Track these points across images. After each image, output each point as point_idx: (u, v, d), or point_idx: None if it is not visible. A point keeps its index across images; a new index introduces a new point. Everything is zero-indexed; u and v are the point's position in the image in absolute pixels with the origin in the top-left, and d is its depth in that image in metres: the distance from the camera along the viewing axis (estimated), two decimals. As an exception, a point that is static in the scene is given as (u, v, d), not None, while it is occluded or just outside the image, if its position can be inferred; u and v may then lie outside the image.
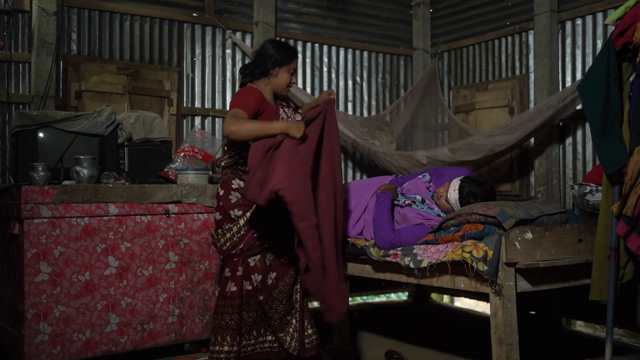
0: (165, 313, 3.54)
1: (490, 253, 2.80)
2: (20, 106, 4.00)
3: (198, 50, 4.66)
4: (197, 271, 3.65)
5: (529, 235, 2.85)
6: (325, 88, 5.21)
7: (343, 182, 5.21)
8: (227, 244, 3.04)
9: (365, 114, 5.38)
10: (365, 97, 5.41)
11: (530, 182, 4.62)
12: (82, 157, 3.46)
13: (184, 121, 4.59)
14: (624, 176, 2.66)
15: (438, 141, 5.36)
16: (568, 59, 4.39)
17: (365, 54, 5.40)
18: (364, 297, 5.79)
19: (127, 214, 3.44)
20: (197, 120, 4.63)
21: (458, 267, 2.93)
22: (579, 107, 4.04)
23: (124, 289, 3.41)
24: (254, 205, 3.02)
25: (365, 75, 5.41)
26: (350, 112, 5.31)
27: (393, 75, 5.57)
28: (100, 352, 3.34)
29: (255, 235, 3.03)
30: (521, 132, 4.15)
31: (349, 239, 3.64)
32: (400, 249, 3.24)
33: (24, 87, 4.07)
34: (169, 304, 3.55)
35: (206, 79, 4.69)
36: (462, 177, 3.42)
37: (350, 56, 5.33)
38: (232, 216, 3.05)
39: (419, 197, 3.54)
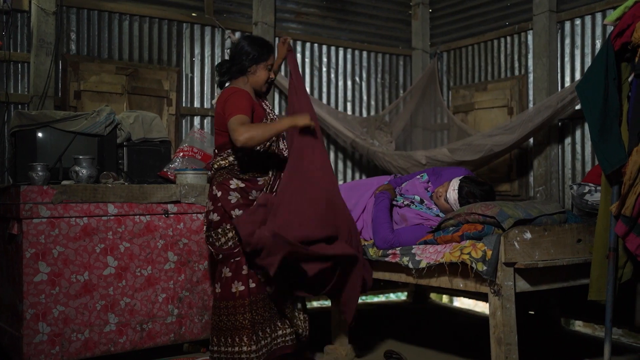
0: (164, 313, 3.54)
1: (489, 253, 2.80)
2: (19, 106, 4.00)
3: (197, 50, 4.66)
4: (196, 271, 3.65)
5: (528, 235, 2.86)
6: (324, 88, 5.21)
7: (342, 182, 5.24)
8: (229, 243, 3.05)
9: (365, 114, 5.39)
10: (365, 97, 5.41)
11: (529, 182, 4.62)
12: (81, 157, 3.46)
13: (183, 121, 4.59)
14: (623, 176, 2.66)
15: (437, 141, 5.36)
16: (567, 59, 4.39)
17: (365, 54, 5.40)
18: (363, 297, 5.79)
19: (126, 214, 3.44)
20: (196, 120, 4.63)
21: (457, 267, 2.93)
22: (577, 107, 4.04)
23: (123, 289, 3.41)
24: (255, 203, 3.06)
25: (364, 75, 5.41)
26: (349, 112, 5.31)
27: (392, 75, 5.57)
28: (99, 352, 3.33)
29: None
30: (520, 132, 4.15)
31: (348, 239, 3.65)
32: (399, 249, 3.24)
33: (23, 87, 4.07)
34: (168, 304, 3.55)
35: (205, 78, 4.69)
36: (461, 177, 3.42)
37: (349, 56, 5.33)
38: (234, 216, 3.05)
39: (417, 198, 3.54)
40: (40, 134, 3.56)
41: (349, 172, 5.32)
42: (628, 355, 3.71)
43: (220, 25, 4.70)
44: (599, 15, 4.18)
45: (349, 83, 5.33)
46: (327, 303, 4.86)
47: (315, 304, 5.27)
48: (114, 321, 3.38)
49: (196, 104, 4.64)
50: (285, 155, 3.22)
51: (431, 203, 3.51)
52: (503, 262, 2.80)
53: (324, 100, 5.19)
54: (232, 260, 3.06)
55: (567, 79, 4.39)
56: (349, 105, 5.33)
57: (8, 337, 3.37)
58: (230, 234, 3.05)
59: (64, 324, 3.23)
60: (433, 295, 5.67)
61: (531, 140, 4.49)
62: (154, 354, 3.56)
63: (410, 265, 3.11)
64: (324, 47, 5.21)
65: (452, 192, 3.35)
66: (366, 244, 3.47)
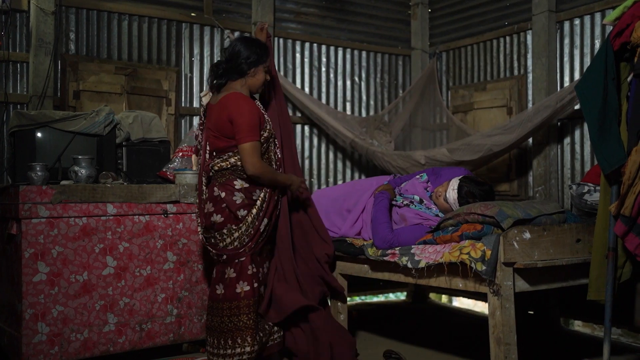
0: (164, 313, 3.54)
1: (489, 253, 2.80)
2: (18, 106, 4.00)
3: (196, 50, 4.66)
4: (195, 271, 3.65)
5: (527, 235, 2.86)
6: (323, 88, 5.21)
7: (341, 182, 5.24)
8: (235, 243, 3.05)
9: (364, 114, 5.39)
10: (364, 97, 5.41)
11: (529, 182, 4.63)
12: (80, 157, 3.46)
13: (182, 121, 4.58)
14: (622, 176, 2.66)
15: (436, 141, 5.36)
16: (566, 59, 4.39)
17: (364, 54, 5.40)
18: (362, 297, 5.79)
19: (125, 214, 3.44)
20: (196, 120, 4.62)
21: (456, 267, 2.93)
22: (577, 107, 4.04)
23: (122, 289, 3.40)
24: (257, 203, 3.08)
25: (363, 75, 5.41)
26: (348, 112, 5.31)
27: (391, 75, 5.57)
28: (99, 352, 3.33)
29: (261, 231, 3.09)
30: (519, 132, 4.16)
31: (347, 239, 3.65)
32: (398, 248, 3.24)
33: (22, 87, 4.06)
34: (167, 304, 3.55)
35: (204, 79, 4.68)
36: (461, 176, 3.43)
37: (348, 56, 5.33)
38: (239, 216, 3.05)
39: (417, 197, 3.55)
40: (39, 134, 3.56)
41: (348, 172, 5.32)
42: (627, 355, 3.71)
43: (220, 25, 4.70)
44: (598, 15, 4.18)
45: (348, 83, 5.33)
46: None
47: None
48: (113, 321, 3.37)
49: (195, 104, 4.64)
50: (279, 155, 3.29)
51: (430, 203, 3.52)
52: (502, 262, 2.80)
53: (323, 100, 5.19)
54: (236, 261, 3.06)
55: (567, 79, 4.39)
56: (348, 105, 5.33)
57: (7, 337, 3.36)
58: (236, 234, 3.05)
59: (63, 324, 3.23)
60: (432, 295, 5.67)
61: (530, 140, 4.49)
62: (153, 354, 3.55)
63: (410, 265, 3.11)
64: (323, 47, 5.21)
65: (452, 191, 3.35)
66: (365, 243, 3.47)
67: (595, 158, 3.27)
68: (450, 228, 3.11)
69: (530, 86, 4.61)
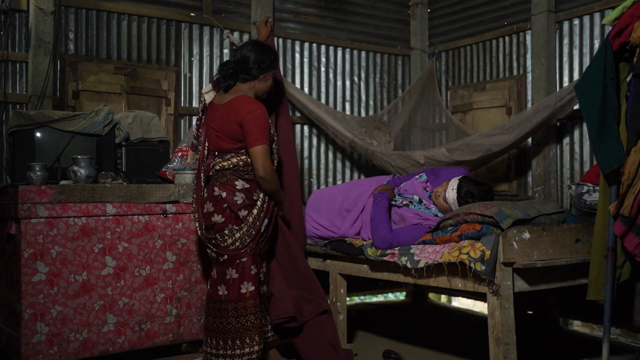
0: (163, 313, 3.53)
1: (488, 253, 2.80)
2: (18, 106, 3.99)
3: (196, 50, 4.66)
4: (194, 271, 3.65)
5: (527, 235, 2.86)
6: (323, 88, 5.21)
7: (341, 182, 5.24)
8: (237, 244, 3.05)
9: (363, 114, 5.39)
10: (363, 97, 5.41)
11: (528, 182, 4.63)
12: (79, 156, 3.46)
13: (182, 121, 4.58)
14: (621, 176, 2.66)
15: (436, 141, 5.36)
16: (565, 59, 4.40)
17: (363, 53, 5.40)
18: (362, 297, 5.79)
19: (124, 213, 3.43)
20: (195, 120, 4.62)
21: (455, 267, 2.93)
22: (576, 107, 4.04)
23: (121, 288, 3.40)
24: (257, 203, 3.09)
25: (363, 75, 5.41)
26: (348, 112, 5.31)
27: (391, 75, 5.57)
28: (98, 352, 3.33)
29: (262, 231, 3.09)
30: (519, 132, 4.15)
31: (346, 239, 3.65)
32: (397, 248, 3.24)
33: (21, 87, 4.06)
34: (166, 304, 3.55)
35: (204, 78, 4.68)
36: (460, 176, 3.43)
37: (348, 56, 5.33)
38: (241, 217, 3.05)
39: (416, 198, 3.55)
40: (38, 134, 3.56)
41: (348, 172, 5.32)
42: (626, 354, 3.72)
43: (219, 25, 4.70)
44: (597, 15, 4.18)
45: (348, 83, 5.33)
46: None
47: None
48: (112, 321, 3.37)
49: (194, 104, 4.64)
50: (276, 155, 3.29)
51: (430, 203, 3.52)
52: (502, 262, 2.80)
53: (323, 100, 5.19)
54: (237, 262, 3.06)
55: (566, 79, 4.39)
56: (347, 105, 5.33)
57: (6, 337, 3.36)
58: (237, 235, 3.04)
59: (62, 324, 3.23)
60: (432, 295, 5.67)
61: (530, 140, 4.49)
62: (152, 354, 3.55)
63: (409, 265, 3.11)
64: (323, 47, 5.21)
65: (451, 191, 3.35)
66: (365, 243, 3.47)
67: (595, 158, 3.27)
68: (449, 228, 3.11)
69: (529, 86, 4.61)
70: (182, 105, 4.58)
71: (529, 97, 4.60)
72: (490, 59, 4.98)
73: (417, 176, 3.74)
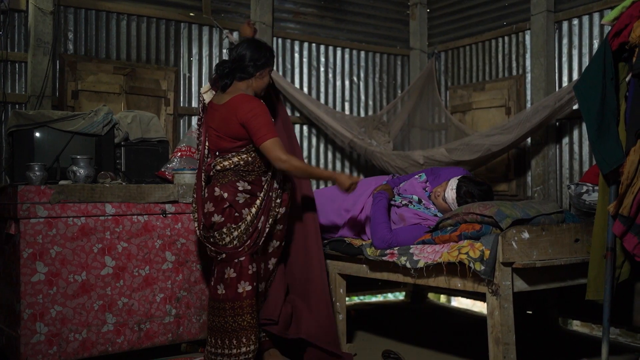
0: (162, 313, 3.53)
1: (487, 253, 2.80)
2: (17, 106, 3.99)
3: (195, 50, 4.66)
4: (194, 271, 3.65)
5: (526, 235, 2.86)
6: (322, 88, 5.21)
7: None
8: (235, 242, 3.06)
9: (362, 114, 5.39)
10: (362, 97, 5.41)
11: (527, 182, 4.63)
12: (78, 156, 3.46)
13: (181, 121, 4.58)
14: (620, 176, 2.66)
15: (435, 141, 5.36)
16: (565, 59, 4.40)
17: (362, 53, 5.40)
18: (361, 297, 5.79)
19: (123, 213, 3.43)
20: (194, 120, 4.62)
21: (455, 267, 2.93)
22: (575, 107, 4.04)
23: (120, 289, 3.40)
24: (257, 202, 3.09)
25: (362, 75, 5.41)
26: (347, 111, 5.30)
27: (390, 75, 5.57)
28: (97, 352, 3.33)
29: (259, 229, 3.09)
30: (518, 132, 4.16)
31: (346, 239, 3.65)
32: (397, 248, 3.24)
33: (20, 87, 4.06)
34: (165, 304, 3.54)
35: (203, 78, 4.68)
36: (459, 176, 3.43)
37: (347, 56, 5.33)
38: (244, 216, 3.07)
39: (415, 198, 3.55)
40: (37, 134, 3.55)
41: (347, 172, 5.32)
42: (625, 354, 3.72)
43: (218, 25, 4.69)
44: (596, 15, 4.19)
45: (347, 83, 5.33)
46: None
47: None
48: (111, 321, 3.37)
49: (194, 104, 4.64)
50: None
51: (429, 203, 3.52)
52: (501, 262, 2.80)
53: (322, 100, 5.18)
54: (235, 261, 3.07)
55: (565, 79, 4.39)
56: (346, 105, 5.33)
57: (5, 337, 3.36)
58: (235, 233, 3.05)
59: (61, 324, 3.23)
60: (431, 295, 5.67)
61: (529, 140, 4.49)
62: (151, 354, 3.55)
63: (408, 265, 3.11)
64: (322, 47, 5.21)
65: (450, 191, 3.36)
66: (364, 243, 3.47)
67: (594, 158, 3.28)
68: (448, 228, 3.11)
69: (528, 86, 4.61)
70: (182, 105, 4.58)
71: (528, 97, 4.60)
72: (490, 59, 4.98)
73: (416, 176, 3.74)
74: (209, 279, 3.70)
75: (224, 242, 3.07)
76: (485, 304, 2.90)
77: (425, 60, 5.51)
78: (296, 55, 5.09)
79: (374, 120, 5.14)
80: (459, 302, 5.78)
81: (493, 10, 4.95)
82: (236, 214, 3.07)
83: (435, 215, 3.43)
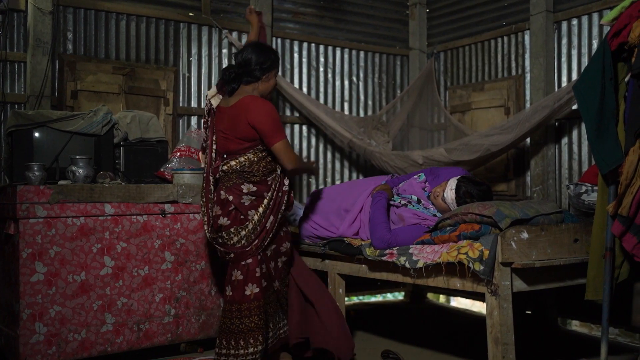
0: (161, 313, 3.53)
1: (487, 253, 2.80)
2: (16, 106, 3.99)
3: (194, 50, 4.66)
4: (193, 271, 3.65)
5: (525, 235, 2.86)
6: (321, 88, 5.21)
7: (339, 182, 5.24)
8: (242, 242, 3.07)
9: (362, 114, 5.39)
10: (362, 97, 5.42)
11: (526, 182, 4.63)
12: (77, 156, 3.46)
13: (180, 121, 4.58)
14: (620, 176, 2.66)
15: (434, 141, 5.36)
16: (564, 59, 4.40)
17: (362, 54, 5.40)
18: (360, 297, 5.79)
19: (123, 213, 3.43)
20: (194, 120, 4.63)
21: (454, 267, 2.93)
22: (574, 107, 4.04)
23: (119, 289, 3.40)
24: (264, 202, 3.10)
25: (361, 75, 5.41)
26: (346, 111, 5.30)
27: (389, 75, 5.57)
28: (96, 352, 3.33)
29: (267, 229, 3.10)
30: (517, 132, 4.16)
31: (345, 239, 3.65)
32: (396, 248, 3.24)
33: (20, 87, 4.06)
34: (165, 304, 3.54)
35: (202, 78, 4.68)
36: (459, 176, 3.43)
37: (346, 56, 5.33)
38: (249, 217, 3.08)
39: (414, 198, 3.55)
40: (37, 134, 3.55)
41: (346, 172, 5.32)
42: (624, 354, 3.72)
43: (218, 25, 4.69)
44: (595, 16, 4.19)
45: (346, 83, 5.33)
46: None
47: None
48: (110, 321, 3.37)
49: (193, 104, 4.64)
50: None
51: (428, 203, 3.52)
52: (500, 262, 2.80)
53: (321, 100, 5.19)
54: (242, 263, 3.07)
55: (564, 79, 4.39)
56: (346, 105, 5.33)
57: (4, 337, 3.36)
58: (243, 232, 3.07)
59: (60, 324, 3.23)
60: (430, 295, 5.67)
61: (528, 140, 4.50)
62: (151, 354, 3.55)
63: (408, 265, 3.11)
64: (321, 47, 5.21)
65: (450, 191, 3.35)
66: (363, 243, 3.47)
67: (593, 158, 3.28)
68: (448, 228, 3.11)
69: (528, 86, 4.62)
70: (181, 105, 4.58)
71: (528, 97, 4.61)
72: (489, 59, 4.99)
73: (415, 176, 3.74)
74: (209, 279, 3.71)
75: (232, 242, 3.08)
76: (485, 304, 2.90)
77: (424, 61, 5.51)
78: (295, 55, 5.09)
79: (373, 120, 5.14)
80: (458, 302, 5.78)
81: (492, 10, 4.95)
82: (242, 217, 3.09)
83: (435, 216, 3.43)
